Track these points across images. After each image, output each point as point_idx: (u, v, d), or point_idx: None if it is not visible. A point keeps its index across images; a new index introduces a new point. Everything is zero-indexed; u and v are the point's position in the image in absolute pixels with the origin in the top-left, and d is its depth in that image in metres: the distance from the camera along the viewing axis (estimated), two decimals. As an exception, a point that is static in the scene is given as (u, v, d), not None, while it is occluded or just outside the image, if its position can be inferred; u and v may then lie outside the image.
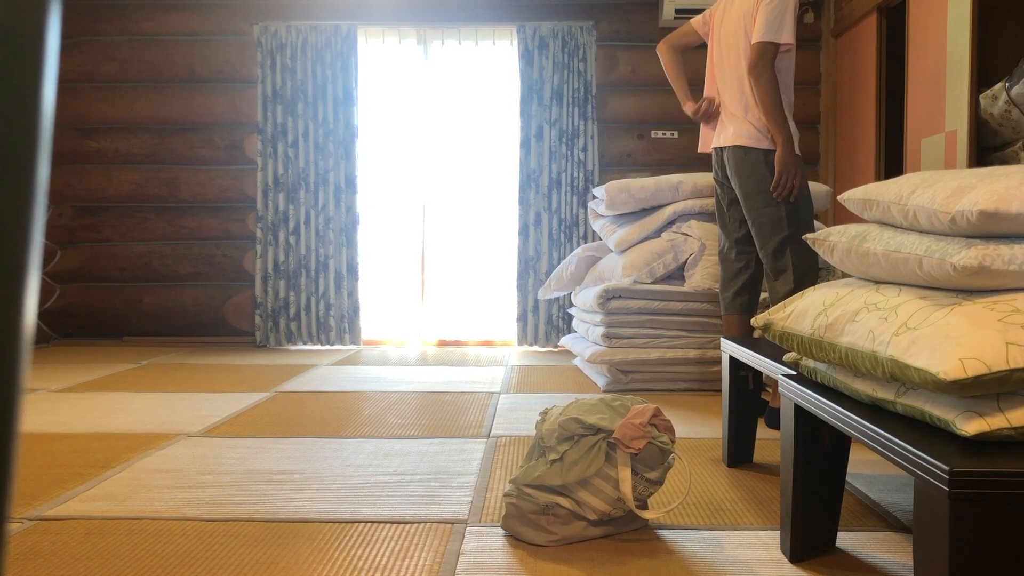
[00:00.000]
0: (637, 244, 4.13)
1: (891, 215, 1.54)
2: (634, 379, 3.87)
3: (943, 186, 1.41)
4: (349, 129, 5.42)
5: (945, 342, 1.25)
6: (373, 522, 2.02)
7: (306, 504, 2.14)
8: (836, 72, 5.26)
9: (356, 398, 3.63)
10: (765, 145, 2.99)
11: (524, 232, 5.42)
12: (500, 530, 1.95)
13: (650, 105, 5.53)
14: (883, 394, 1.43)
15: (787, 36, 2.92)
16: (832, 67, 5.30)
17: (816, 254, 2.93)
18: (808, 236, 1.79)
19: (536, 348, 5.45)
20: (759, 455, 2.66)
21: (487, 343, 5.57)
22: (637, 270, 3.95)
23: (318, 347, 5.49)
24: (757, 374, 2.58)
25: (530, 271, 5.41)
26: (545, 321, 5.40)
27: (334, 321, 5.43)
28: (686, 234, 4.04)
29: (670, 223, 4.16)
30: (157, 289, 5.62)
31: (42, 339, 5.55)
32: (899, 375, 1.32)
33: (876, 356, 1.38)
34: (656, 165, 5.54)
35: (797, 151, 2.97)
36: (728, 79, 3.09)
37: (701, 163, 5.48)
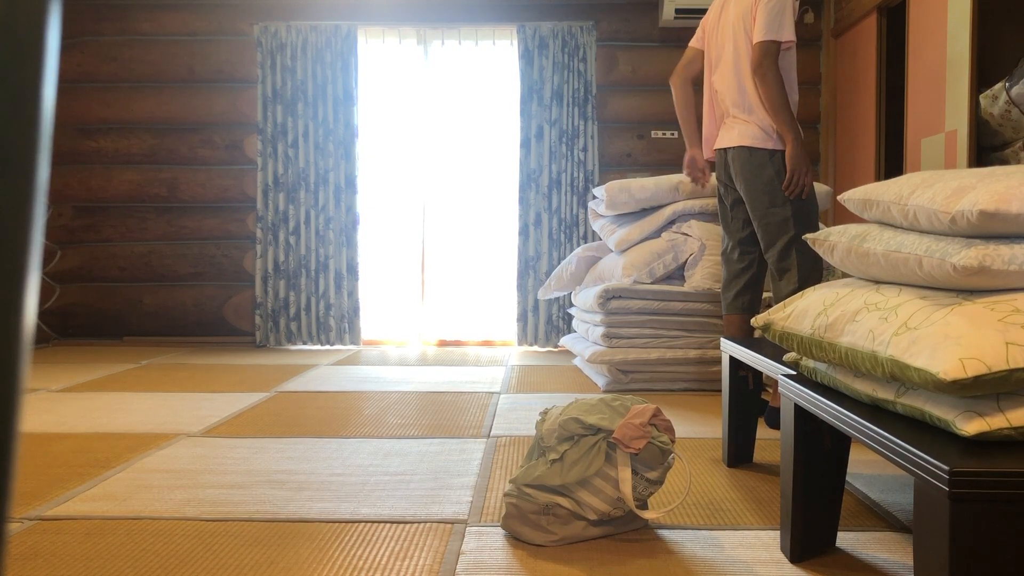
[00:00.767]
0: (637, 244, 4.13)
1: (891, 215, 1.54)
2: (634, 379, 3.87)
3: (943, 186, 1.41)
4: (349, 129, 5.42)
5: (945, 342, 1.25)
6: (373, 522, 2.02)
7: (306, 504, 2.14)
8: (836, 72, 5.26)
9: (356, 398, 3.63)
10: (770, 145, 2.99)
11: (524, 232, 5.42)
12: (500, 530, 1.95)
13: (650, 105, 5.53)
14: (883, 394, 1.43)
15: (788, 33, 2.92)
16: (832, 67, 5.30)
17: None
18: (808, 236, 1.78)
19: (536, 348, 5.45)
20: (759, 455, 2.66)
21: (487, 343, 5.57)
22: (637, 270, 3.95)
23: (318, 347, 5.49)
24: (757, 374, 2.59)
25: (530, 271, 5.41)
26: (545, 321, 5.40)
27: (334, 321, 5.43)
28: (686, 234, 4.04)
29: (670, 223, 4.16)
30: (157, 289, 5.62)
31: (42, 339, 5.55)
32: (899, 375, 1.32)
33: (876, 356, 1.38)
34: (656, 165, 5.54)
35: None
36: (728, 82, 3.07)
37: (701, 163, 5.47)
